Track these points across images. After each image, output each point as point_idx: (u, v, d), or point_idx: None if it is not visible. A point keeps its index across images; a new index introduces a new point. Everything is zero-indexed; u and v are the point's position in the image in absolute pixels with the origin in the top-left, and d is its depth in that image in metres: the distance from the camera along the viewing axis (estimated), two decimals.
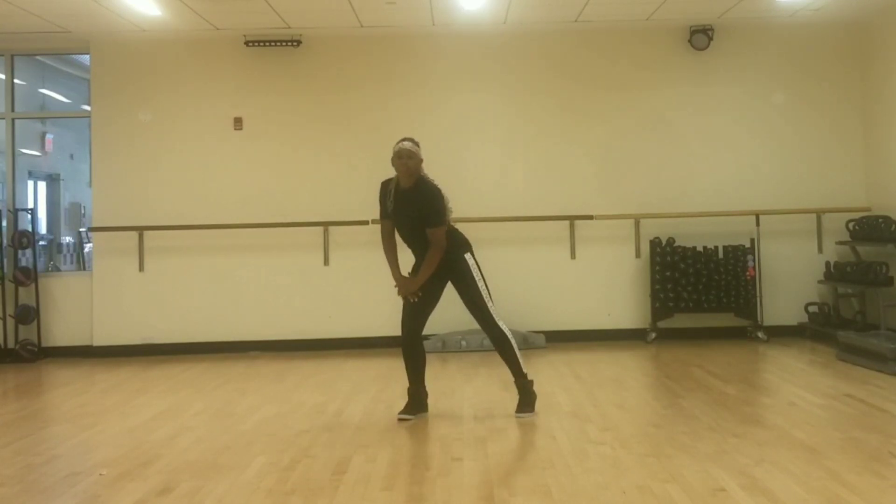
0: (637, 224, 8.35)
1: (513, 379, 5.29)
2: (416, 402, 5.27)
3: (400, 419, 5.17)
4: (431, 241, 5.04)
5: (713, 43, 8.29)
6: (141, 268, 8.27)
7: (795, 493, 3.59)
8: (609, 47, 8.43)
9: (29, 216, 8.90)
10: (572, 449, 4.41)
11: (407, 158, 5.05)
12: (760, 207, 8.23)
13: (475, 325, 5.29)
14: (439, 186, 5.12)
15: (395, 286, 5.20)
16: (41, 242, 10.66)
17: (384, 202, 5.21)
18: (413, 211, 5.09)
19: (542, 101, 8.42)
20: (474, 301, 5.16)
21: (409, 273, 5.22)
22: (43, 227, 12.69)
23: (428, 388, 5.35)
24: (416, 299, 5.13)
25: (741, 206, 8.25)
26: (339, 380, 6.67)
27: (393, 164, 5.11)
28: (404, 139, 5.13)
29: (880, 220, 7.67)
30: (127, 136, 8.36)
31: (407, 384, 5.31)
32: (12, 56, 8.59)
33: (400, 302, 5.25)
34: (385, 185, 5.23)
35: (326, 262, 8.31)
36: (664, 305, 8.10)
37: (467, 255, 5.18)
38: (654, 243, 8.16)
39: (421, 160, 5.12)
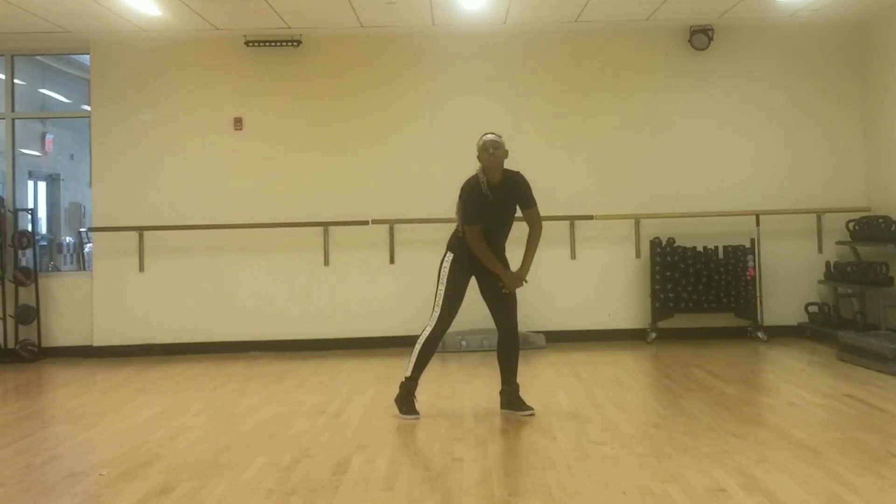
0: (637, 224, 8.35)
1: (504, 384, 5.25)
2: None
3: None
4: (533, 222, 5.15)
5: (713, 43, 8.29)
6: (141, 268, 8.27)
7: (795, 493, 3.60)
8: (609, 47, 8.43)
9: (29, 216, 8.89)
10: (572, 449, 4.41)
11: (494, 149, 5.06)
12: (760, 207, 8.23)
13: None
14: None
15: (503, 283, 5.11)
16: (41, 242, 10.65)
17: (482, 202, 5.03)
18: (510, 200, 5.10)
19: (542, 100, 8.42)
20: (513, 298, 5.18)
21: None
22: (43, 227, 12.68)
23: (428, 388, 5.33)
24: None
25: (741, 206, 8.25)
26: (339, 380, 6.67)
27: (480, 159, 5.08)
28: (487, 132, 5.14)
29: (880, 220, 7.67)
30: (127, 136, 8.36)
31: (412, 384, 5.21)
32: (12, 56, 8.59)
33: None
34: (476, 187, 5.05)
35: (326, 262, 8.31)
36: (664, 305, 8.10)
37: None
38: (654, 243, 8.16)
39: (506, 150, 5.13)
